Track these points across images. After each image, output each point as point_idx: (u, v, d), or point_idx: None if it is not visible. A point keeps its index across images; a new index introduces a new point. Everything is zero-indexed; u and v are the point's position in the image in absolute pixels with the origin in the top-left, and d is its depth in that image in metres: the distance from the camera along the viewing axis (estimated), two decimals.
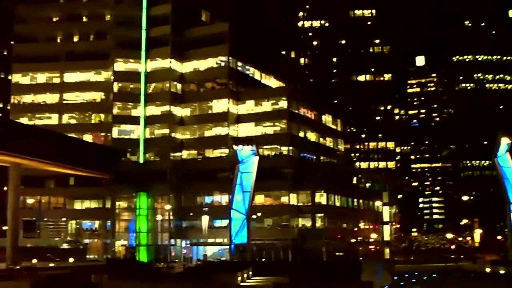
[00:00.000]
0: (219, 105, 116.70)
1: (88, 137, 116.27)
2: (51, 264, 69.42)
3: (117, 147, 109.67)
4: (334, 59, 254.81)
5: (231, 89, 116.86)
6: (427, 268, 74.10)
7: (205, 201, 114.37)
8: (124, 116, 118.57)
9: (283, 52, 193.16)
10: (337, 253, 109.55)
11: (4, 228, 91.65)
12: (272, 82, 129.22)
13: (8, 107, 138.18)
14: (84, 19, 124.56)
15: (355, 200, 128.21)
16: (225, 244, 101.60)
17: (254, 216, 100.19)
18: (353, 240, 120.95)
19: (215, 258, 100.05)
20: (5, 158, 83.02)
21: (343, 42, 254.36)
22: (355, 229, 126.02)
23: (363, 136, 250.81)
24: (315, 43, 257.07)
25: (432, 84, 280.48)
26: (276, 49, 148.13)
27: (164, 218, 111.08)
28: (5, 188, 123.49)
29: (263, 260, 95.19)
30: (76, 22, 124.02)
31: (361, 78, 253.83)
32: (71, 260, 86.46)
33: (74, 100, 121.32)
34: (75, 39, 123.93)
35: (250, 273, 48.55)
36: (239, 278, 42.15)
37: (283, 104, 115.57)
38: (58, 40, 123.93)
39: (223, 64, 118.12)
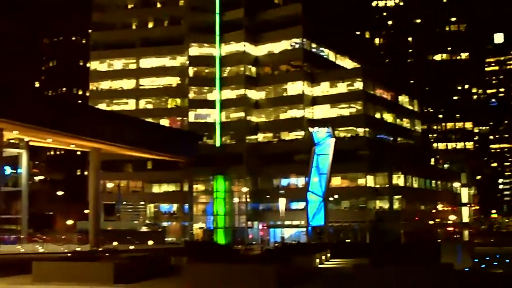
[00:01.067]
0: (294, 88, 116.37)
1: (164, 122, 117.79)
2: (131, 247, 70.65)
3: (193, 131, 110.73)
4: (410, 39, 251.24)
5: (305, 71, 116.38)
6: (509, 250, 72.44)
7: (281, 184, 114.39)
8: (200, 100, 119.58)
9: (358, 33, 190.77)
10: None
11: (86, 211, 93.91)
12: (347, 63, 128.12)
13: (87, 94, 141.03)
14: (158, 5, 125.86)
15: (433, 181, 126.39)
16: (302, 226, 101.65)
17: (331, 198, 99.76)
18: (431, 222, 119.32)
19: (292, 240, 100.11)
20: (85, 144, 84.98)
21: (418, 21, 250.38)
22: (433, 210, 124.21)
23: (441, 116, 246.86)
24: (390, 22, 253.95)
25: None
26: (350, 30, 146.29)
27: (241, 201, 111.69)
28: (86, 173, 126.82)
29: (341, 242, 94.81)
30: (150, 9, 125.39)
31: (438, 57, 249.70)
32: (150, 242, 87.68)
33: (150, 85, 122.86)
34: (150, 25, 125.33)
35: (328, 255, 48.40)
36: (317, 260, 42.08)
37: (358, 85, 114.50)
38: (134, 27, 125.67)
39: (297, 46, 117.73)
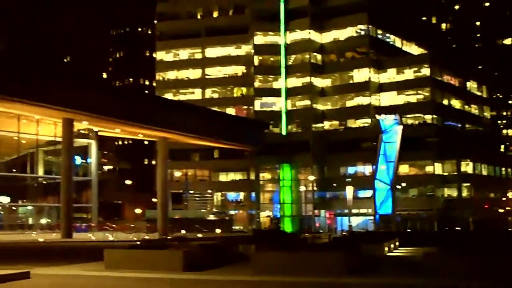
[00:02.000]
0: (360, 75, 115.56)
1: (231, 111, 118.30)
2: (199, 235, 71.32)
3: (259, 120, 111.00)
4: (478, 23, 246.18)
5: (371, 58, 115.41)
6: None
7: (348, 172, 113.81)
8: (266, 88, 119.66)
9: (424, 18, 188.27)
10: None
11: (154, 200, 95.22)
12: (413, 49, 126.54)
13: (154, 84, 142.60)
14: None
15: (503, 168, 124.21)
16: (369, 215, 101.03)
17: (398, 186, 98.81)
18: (501, 210, 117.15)
19: (361, 228, 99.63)
20: (153, 133, 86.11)
21: (487, 4, 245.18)
22: (503, 198, 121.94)
23: (510, 102, 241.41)
24: (457, 7, 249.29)
25: None
26: (416, 15, 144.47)
27: (307, 189, 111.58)
28: (154, 162, 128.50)
29: (408, 230, 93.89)
30: None
31: (507, 41, 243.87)
32: (218, 231, 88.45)
33: (216, 74, 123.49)
34: (215, 14, 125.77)
35: (397, 243, 47.97)
36: (386, 249, 41.75)
37: (425, 71, 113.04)
38: (199, 16, 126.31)
39: (363, 32, 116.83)
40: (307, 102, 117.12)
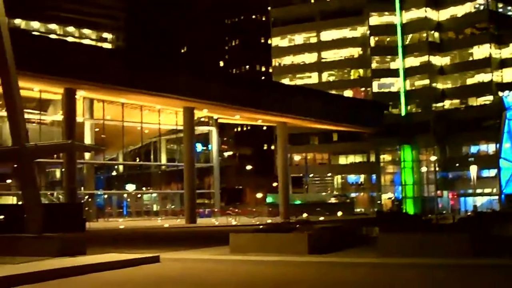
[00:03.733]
0: (480, 51, 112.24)
1: (348, 93, 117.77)
2: (321, 218, 71.48)
3: (378, 101, 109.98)
4: None
5: (492, 32, 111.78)
6: None
7: (470, 151, 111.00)
8: (383, 69, 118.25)
9: None
10: None
11: (275, 184, 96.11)
12: None
13: (270, 70, 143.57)
14: None
15: None
16: (494, 194, 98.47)
17: None
18: None
19: (483, 208, 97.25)
20: (272, 118, 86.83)
21: None
22: None
23: None
24: None
25: None
26: None
27: (429, 170, 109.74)
28: (272, 147, 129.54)
29: None
30: None
31: None
32: (339, 213, 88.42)
33: (332, 57, 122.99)
34: None
35: None
36: None
37: None
38: (312, 1, 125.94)
39: (481, 7, 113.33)
40: (426, 82, 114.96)
